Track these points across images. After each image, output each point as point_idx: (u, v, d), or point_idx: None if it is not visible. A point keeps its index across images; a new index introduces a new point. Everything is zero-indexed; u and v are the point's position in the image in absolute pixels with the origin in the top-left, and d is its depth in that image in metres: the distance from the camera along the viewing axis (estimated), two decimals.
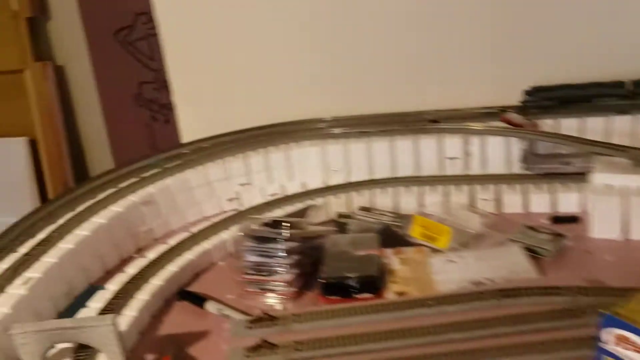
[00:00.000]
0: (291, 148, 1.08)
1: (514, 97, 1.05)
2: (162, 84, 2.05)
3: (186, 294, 0.85)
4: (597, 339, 0.54)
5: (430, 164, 1.04)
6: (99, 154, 2.04)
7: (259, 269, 0.83)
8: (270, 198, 1.07)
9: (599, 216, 0.86)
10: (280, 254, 0.81)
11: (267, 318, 0.71)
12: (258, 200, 1.08)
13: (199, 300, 0.82)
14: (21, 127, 1.90)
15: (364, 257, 0.82)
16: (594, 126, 1.00)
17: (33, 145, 1.87)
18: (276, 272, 0.82)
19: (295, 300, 0.81)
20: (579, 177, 0.94)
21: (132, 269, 0.87)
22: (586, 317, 0.65)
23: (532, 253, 0.82)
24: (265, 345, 0.66)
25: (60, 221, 0.93)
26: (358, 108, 1.16)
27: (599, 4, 1.06)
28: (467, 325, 0.66)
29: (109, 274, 0.93)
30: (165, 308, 0.83)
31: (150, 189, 1.01)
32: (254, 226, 0.85)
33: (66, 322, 0.67)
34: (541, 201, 0.95)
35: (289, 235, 0.81)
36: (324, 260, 0.82)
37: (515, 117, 1.01)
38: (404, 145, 1.04)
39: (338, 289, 0.78)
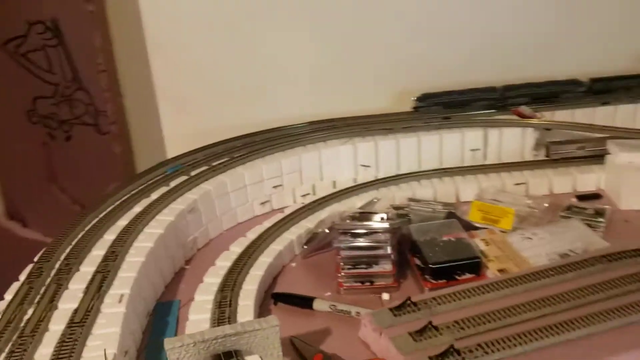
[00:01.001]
0: (319, 148, 1.08)
1: None
2: (61, 99, 1.89)
3: (282, 296, 0.81)
4: None
5: (453, 156, 1.10)
6: None
7: (357, 262, 0.82)
8: (302, 199, 1.06)
9: (626, 190, 0.98)
10: (382, 245, 0.82)
11: (410, 304, 0.71)
12: (290, 201, 1.07)
13: (303, 300, 0.79)
14: None
15: (457, 242, 0.85)
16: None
17: None
18: (376, 264, 0.82)
19: (397, 290, 0.82)
20: (594, 159, 1.06)
21: (212, 278, 0.81)
22: None
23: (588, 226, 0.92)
24: (430, 328, 0.67)
25: (110, 236, 0.84)
26: (346, 110, 1.20)
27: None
28: (595, 288, 0.73)
29: (169, 289, 0.87)
30: (265, 314, 0.79)
31: (191, 196, 0.95)
32: (346, 221, 0.84)
33: (226, 328, 0.62)
34: (563, 183, 1.05)
35: (387, 227, 0.82)
36: (420, 248, 0.84)
37: (525, 109, 1.11)
38: (429, 140, 1.09)
39: (445, 273, 0.80)
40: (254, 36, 1.19)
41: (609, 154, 1.03)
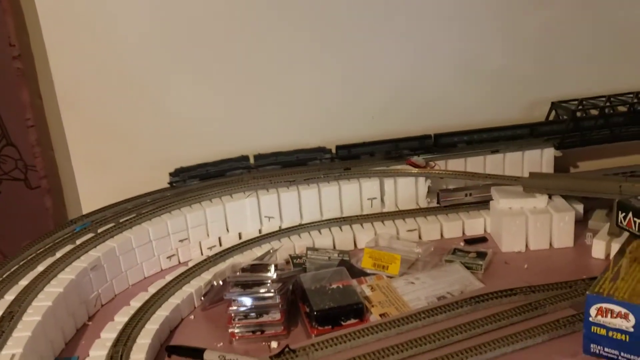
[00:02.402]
0: (225, 201, 1.13)
1: None
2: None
3: (176, 348, 0.85)
4: (585, 315, 0.71)
5: (352, 205, 1.17)
6: None
7: (247, 312, 0.87)
8: (209, 252, 1.11)
9: (506, 234, 1.06)
10: (270, 295, 0.87)
11: (289, 351, 0.76)
12: (197, 254, 1.11)
13: (194, 352, 0.83)
14: None
15: (342, 289, 0.91)
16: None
17: None
18: (267, 313, 0.87)
19: (287, 337, 0.87)
20: (481, 205, 1.15)
21: (108, 334, 0.85)
22: (544, 308, 0.83)
23: (467, 269, 0.99)
24: None
25: (10, 296, 0.87)
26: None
27: None
28: (462, 328, 0.79)
29: (69, 346, 0.90)
30: None
31: (95, 253, 0.99)
32: (237, 273, 0.89)
33: None
34: (453, 228, 1.13)
35: (276, 277, 0.88)
36: (307, 296, 0.89)
37: (418, 160, 1.19)
38: (329, 191, 1.15)
39: (329, 319, 0.86)
40: (158, 90, 1.24)
41: (492, 200, 1.12)
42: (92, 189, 1.32)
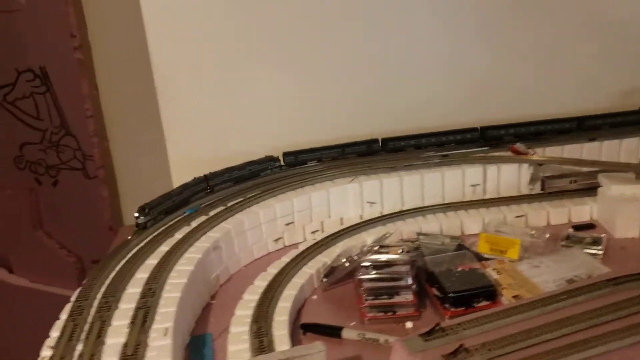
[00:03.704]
0: (327, 186, 1.13)
1: None
2: (49, 144, 1.92)
3: (311, 326, 0.85)
4: None
5: (454, 192, 1.17)
6: None
7: (379, 293, 0.87)
8: (312, 236, 1.11)
9: (620, 220, 1.05)
10: (403, 276, 0.87)
11: (439, 330, 0.76)
12: (300, 238, 1.11)
13: (331, 329, 0.84)
14: None
15: (471, 272, 0.91)
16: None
17: None
18: (397, 294, 0.87)
19: (418, 319, 0.87)
20: (585, 192, 1.14)
21: (242, 311, 0.85)
22: None
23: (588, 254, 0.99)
24: (461, 350, 0.72)
25: (142, 274, 0.88)
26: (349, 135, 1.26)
27: None
28: (605, 309, 0.79)
29: (199, 324, 0.90)
30: (296, 344, 0.82)
31: (213, 234, 0.99)
32: (367, 254, 0.89)
33: (277, 355, 0.66)
34: (559, 214, 1.12)
35: (408, 259, 0.88)
36: (437, 278, 0.89)
37: (520, 146, 1.18)
38: (431, 177, 1.15)
39: (463, 301, 0.86)
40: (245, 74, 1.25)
41: (599, 186, 1.11)
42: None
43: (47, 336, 0.76)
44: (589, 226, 1.10)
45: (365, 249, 0.91)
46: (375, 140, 1.22)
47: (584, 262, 0.95)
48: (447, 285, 0.87)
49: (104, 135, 1.86)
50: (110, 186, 1.91)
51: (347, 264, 0.93)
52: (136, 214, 1.03)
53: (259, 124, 1.29)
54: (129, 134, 1.81)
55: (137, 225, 1.02)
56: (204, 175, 1.13)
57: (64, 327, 0.77)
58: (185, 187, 1.10)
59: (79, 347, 0.73)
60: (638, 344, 0.73)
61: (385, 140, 1.22)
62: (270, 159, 1.20)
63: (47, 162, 1.94)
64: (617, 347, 0.72)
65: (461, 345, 0.72)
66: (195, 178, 1.12)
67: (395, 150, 1.22)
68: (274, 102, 1.28)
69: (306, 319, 0.90)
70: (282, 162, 1.20)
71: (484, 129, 1.23)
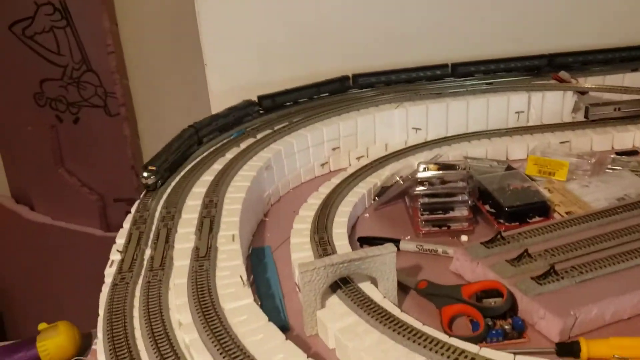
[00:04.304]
0: (373, 112, 1.14)
1: None
2: (70, 81, 1.91)
3: (368, 239, 0.87)
4: None
5: (498, 119, 1.17)
6: None
7: (435, 208, 0.89)
8: (357, 162, 1.12)
9: None
10: (459, 192, 0.88)
11: (500, 238, 0.78)
12: (346, 164, 1.12)
13: (388, 242, 0.85)
14: None
15: (524, 189, 0.92)
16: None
17: None
18: (452, 210, 0.89)
19: (472, 233, 0.89)
20: (629, 119, 1.14)
21: (300, 225, 0.87)
22: None
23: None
24: (525, 255, 0.73)
25: (199, 189, 0.90)
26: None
27: None
28: None
29: (256, 238, 0.92)
30: None
31: (265, 154, 1.01)
32: (419, 171, 0.90)
33: (352, 254, 0.68)
34: (603, 141, 1.13)
35: (465, 175, 0.89)
36: (492, 195, 0.90)
37: (564, 74, 1.18)
38: (476, 103, 1.15)
39: (518, 216, 0.87)
40: None
41: None
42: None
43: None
44: (633, 152, 1.11)
45: (420, 166, 0.92)
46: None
47: (632, 183, 0.96)
48: (502, 200, 0.88)
49: (124, 72, 1.85)
50: (131, 124, 1.91)
51: (401, 182, 0.94)
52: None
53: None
54: (149, 72, 1.80)
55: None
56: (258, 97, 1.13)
57: (130, 234, 0.79)
58: (233, 109, 1.10)
59: (148, 252, 0.75)
60: None
61: (455, 66, 1.24)
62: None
63: (68, 99, 1.93)
64: None
65: (525, 251, 0.73)
66: (244, 100, 1.12)
67: (464, 75, 1.23)
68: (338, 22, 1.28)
69: (360, 234, 0.91)
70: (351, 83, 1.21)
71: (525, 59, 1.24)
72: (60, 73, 1.91)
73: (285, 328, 0.70)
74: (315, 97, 1.20)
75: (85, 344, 1.12)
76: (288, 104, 1.18)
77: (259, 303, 0.67)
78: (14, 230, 2.11)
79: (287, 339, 0.61)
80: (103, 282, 0.71)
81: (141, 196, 0.90)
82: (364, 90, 1.22)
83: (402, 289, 0.76)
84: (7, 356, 1.16)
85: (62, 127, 1.98)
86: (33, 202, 2.12)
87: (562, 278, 0.69)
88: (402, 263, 0.82)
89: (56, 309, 1.91)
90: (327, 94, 1.22)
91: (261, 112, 1.16)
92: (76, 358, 1.11)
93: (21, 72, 1.93)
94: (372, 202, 0.98)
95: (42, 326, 1.18)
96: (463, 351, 0.58)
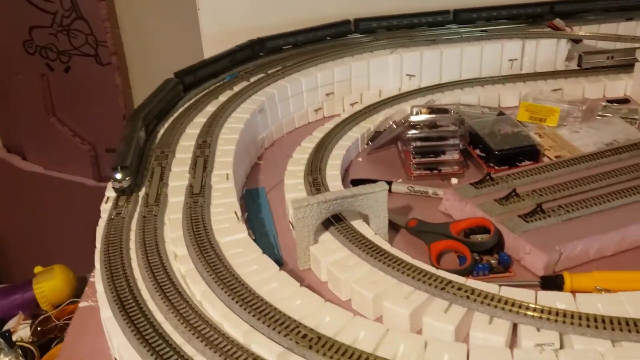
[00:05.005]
0: (367, 57, 1.13)
1: None
2: (59, 28, 1.88)
3: (363, 181, 0.88)
4: None
5: (491, 66, 1.17)
6: None
7: (426, 151, 0.90)
8: (350, 108, 1.12)
9: None
10: (451, 135, 0.89)
11: (489, 179, 0.79)
12: (340, 110, 1.13)
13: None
14: None
15: (515, 134, 0.93)
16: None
17: None
18: (443, 154, 0.90)
19: (463, 177, 0.90)
20: (622, 68, 1.15)
21: (294, 167, 0.88)
22: None
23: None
24: (513, 195, 0.75)
25: (193, 130, 0.90)
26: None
27: None
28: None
29: (250, 179, 0.93)
30: None
31: (259, 97, 1.01)
32: (411, 115, 0.91)
33: (344, 191, 0.69)
34: (595, 89, 1.14)
35: (457, 119, 0.90)
36: (483, 139, 0.91)
37: (559, 22, 1.18)
38: (471, 50, 1.15)
39: (507, 159, 0.89)
40: None
41: (636, 62, 1.12)
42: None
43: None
44: (624, 101, 1.12)
45: (414, 110, 0.92)
46: (446, 12, 1.24)
47: (622, 129, 0.97)
48: (492, 144, 0.89)
49: (115, 21, 1.82)
50: (123, 74, 1.89)
51: (394, 126, 0.95)
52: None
53: None
54: (140, 19, 1.77)
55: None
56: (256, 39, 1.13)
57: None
58: (230, 52, 1.10)
59: (143, 189, 0.76)
60: None
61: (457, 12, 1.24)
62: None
63: (59, 47, 1.91)
64: None
65: (513, 190, 0.75)
66: (239, 44, 1.12)
67: (466, 22, 1.23)
68: None
69: (354, 177, 0.92)
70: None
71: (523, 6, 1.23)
72: (49, 20, 1.88)
73: (279, 263, 0.71)
74: (315, 41, 1.20)
75: (80, 287, 1.14)
76: (286, 47, 1.18)
77: (253, 238, 0.69)
78: (6, 179, 2.11)
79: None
80: (96, 231, 0.72)
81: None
82: (363, 35, 1.21)
83: (393, 227, 0.77)
84: (3, 299, 1.18)
85: (53, 76, 1.96)
86: (25, 151, 2.11)
87: (549, 216, 0.71)
88: (394, 204, 0.84)
89: (49, 257, 1.93)
90: (326, 39, 1.21)
91: (261, 54, 1.16)
92: (71, 300, 1.14)
93: (9, 19, 1.89)
94: (366, 146, 0.99)
95: (37, 269, 1.20)
96: (450, 282, 0.60)
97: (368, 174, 0.93)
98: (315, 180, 0.83)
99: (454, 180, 0.89)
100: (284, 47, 1.17)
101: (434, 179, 0.90)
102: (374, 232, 0.71)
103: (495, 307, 0.57)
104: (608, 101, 1.12)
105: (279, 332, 0.52)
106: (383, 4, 1.26)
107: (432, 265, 0.69)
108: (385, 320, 0.60)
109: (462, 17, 1.23)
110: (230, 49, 1.10)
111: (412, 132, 0.90)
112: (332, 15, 1.23)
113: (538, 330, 0.55)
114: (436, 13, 1.22)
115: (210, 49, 1.24)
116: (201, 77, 1.05)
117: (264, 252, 0.67)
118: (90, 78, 1.91)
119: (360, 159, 0.98)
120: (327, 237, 0.70)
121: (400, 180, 0.90)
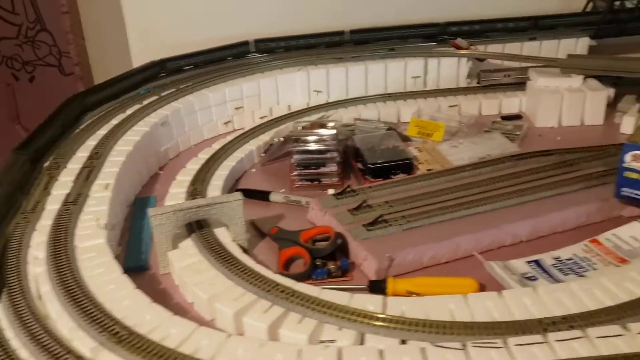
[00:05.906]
0: (276, 74, 1.20)
1: None
2: (25, 40, 1.95)
3: (245, 191, 0.94)
4: (619, 163, 0.79)
5: (396, 83, 1.24)
6: None
7: (308, 164, 0.96)
8: (260, 121, 1.19)
9: (541, 110, 1.14)
10: (329, 149, 0.96)
11: (350, 191, 0.86)
12: (250, 123, 1.19)
13: (261, 194, 0.93)
14: None
15: (393, 148, 0.99)
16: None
17: None
18: (324, 166, 0.96)
19: (340, 187, 0.96)
20: (518, 86, 1.22)
21: (183, 177, 0.94)
22: (579, 165, 0.92)
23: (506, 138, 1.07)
24: (364, 206, 0.81)
25: (92, 142, 0.96)
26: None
27: None
28: (501, 179, 0.88)
29: (145, 188, 1.00)
30: None
31: (163, 111, 1.07)
32: (299, 131, 0.98)
33: (199, 201, 0.76)
34: (491, 105, 1.20)
35: (335, 133, 0.96)
36: (362, 153, 0.98)
37: (461, 42, 1.25)
38: (375, 68, 1.22)
39: (382, 172, 0.95)
40: None
41: (529, 80, 1.18)
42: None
43: None
44: (517, 117, 1.18)
45: (300, 127, 0.99)
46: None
47: (500, 144, 1.04)
48: (369, 158, 0.96)
49: (80, 32, 1.89)
50: (86, 83, 1.96)
51: (282, 139, 1.01)
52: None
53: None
54: (105, 32, 1.83)
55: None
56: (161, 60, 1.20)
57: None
58: (137, 71, 1.16)
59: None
60: (519, 205, 0.83)
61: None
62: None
63: (24, 58, 1.98)
64: (501, 207, 0.82)
65: (364, 201, 0.81)
66: (149, 62, 1.18)
67: (362, 42, 1.31)
68: None
69: (243, 186, 0.99)
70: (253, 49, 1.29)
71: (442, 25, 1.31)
72: (15, 32, 1.95)
73: (143, 267, 0.78)
74: (216, 61, 1.27)
75: None
76: (188, 67, 1.25)
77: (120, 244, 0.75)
78: None
79: (144, 277, 0.69)
80: None
81: None
82: (264, 55, 1.28)
83: (261, 234, 0.84)
84: None
85: (18, 86, 2.03)
86: None
87: (391, 225, 0.77)
88: (271, 212, 0.91)
89: None
90: (227, 59, 1.28)
91: (161, 75, 1.22)
92: None
93: None
94: (262, 156, 1.06)
95: None
96: (277, 284, 0.66)
97: (257, 185, 0.99)
98: (195, 190, 0.89)
99: (331, 191, 0.95)
100: (184, 68, 1.23)
101: (315, 189, 0.96)
102: (232, 239, 0.77)
103: (308, 307, 0.63)
104: (502, 117, 1.18)
105: (95, 329, 0.58)
106: (283, 25, 1.32)
107: (279, 269, 0.75)
108: (217, 320, 0.66)
109: (358, 37, 1.30)
110: (133, 69, 1.17)
111: (292, 146, 0.96)
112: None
113: (340, 329, 0.61)
114: (333, 34, 1.30)
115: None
116: (102, 98, 1.11)
117: (130, 256, 0.73)
118: (54, 88, 1.98)
119: (254, 169, 1.04)
120: (187, 243, 0.77)
121: (283, 190, 0.96)
